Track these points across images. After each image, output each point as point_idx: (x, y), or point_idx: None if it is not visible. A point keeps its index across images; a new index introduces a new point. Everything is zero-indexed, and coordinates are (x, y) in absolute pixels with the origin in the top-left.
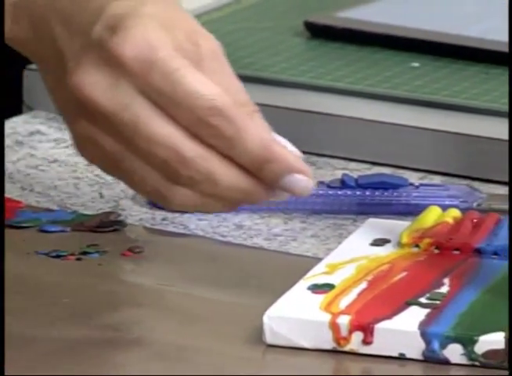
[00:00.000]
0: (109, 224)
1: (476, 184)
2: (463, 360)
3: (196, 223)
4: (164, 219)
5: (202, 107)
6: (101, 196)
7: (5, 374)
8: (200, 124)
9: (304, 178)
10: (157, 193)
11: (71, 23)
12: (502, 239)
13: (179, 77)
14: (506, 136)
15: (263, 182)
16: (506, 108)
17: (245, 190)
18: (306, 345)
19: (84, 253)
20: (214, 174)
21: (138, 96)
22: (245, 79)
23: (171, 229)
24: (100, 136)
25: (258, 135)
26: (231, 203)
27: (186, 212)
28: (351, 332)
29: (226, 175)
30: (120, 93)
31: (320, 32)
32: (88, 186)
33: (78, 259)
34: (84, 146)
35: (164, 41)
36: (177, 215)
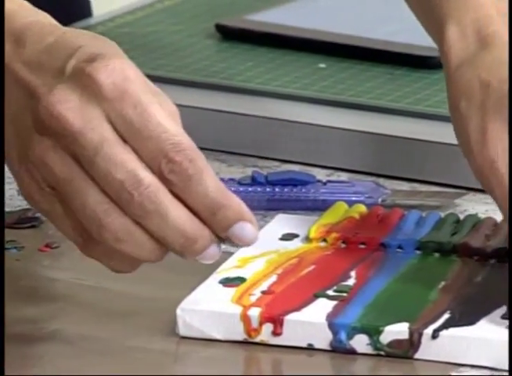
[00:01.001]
0: (26, 220)
1: (381, 180)
2: (369, 350)
3: None
4: None
5: (167, 142)
6: (18, 193)
7: (5, 374)
8: (163, 158)
9: (253, 228)
10: (93, 221)
11: (40, 67)
12: (405, 233)
13: (149, 110)
14: (409, 134)
15: (211, 230)
16: (409, 107)
17: (190, 235)
18: (218, 336)
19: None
20: (165, 207)
21: (106, 122)
22: (158, 80)
23: None
24: (56, 155)
25: (215, 179)
26: (161, 253)
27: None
28: (261, 324)
29: (177, 212)
30: (90, 114)
31: (231, 34)
32: (5, 184)
33: None
34: (29, 172)
35: (139, 75)
36: None
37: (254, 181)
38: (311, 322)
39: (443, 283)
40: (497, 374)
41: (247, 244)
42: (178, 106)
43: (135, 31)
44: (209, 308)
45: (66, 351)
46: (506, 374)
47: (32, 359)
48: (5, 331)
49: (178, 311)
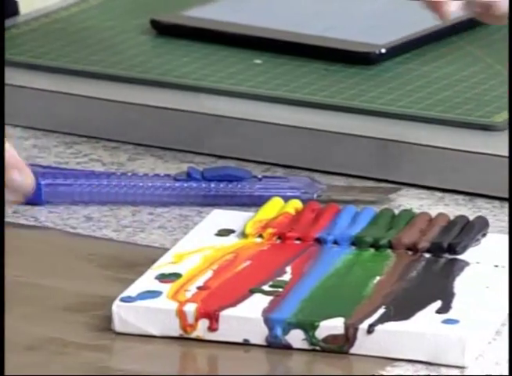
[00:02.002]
0: None
1: (316, 176)
2: (305, 345)
3: (47, 215)
4: (15, 212)
5: None
6: None
7: (5, 374)
8: None
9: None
10: None
11: None
12: (341, 228)
13: None
14: (344, 130)
15: None
16: (344, 103)
17: None
18: (154, 332)
19: None
20: None
21: None
22: (94, 76)
23: (22, 221)
24: None
25: None
26: None
27: (36, 204)
28: (197, 319)
29: None
30: None
31: (166, 30)
32: None
33: None
34: None
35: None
36: (27, 207)
37: (189, 177)
38: (246, 317)
39: (378, 278)
40: (432, 368)
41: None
42: (114, 102)
43: (70, 27)
44: (145, 304)
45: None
46: (441, 368)
47: None
48: None
49: (114, 307)
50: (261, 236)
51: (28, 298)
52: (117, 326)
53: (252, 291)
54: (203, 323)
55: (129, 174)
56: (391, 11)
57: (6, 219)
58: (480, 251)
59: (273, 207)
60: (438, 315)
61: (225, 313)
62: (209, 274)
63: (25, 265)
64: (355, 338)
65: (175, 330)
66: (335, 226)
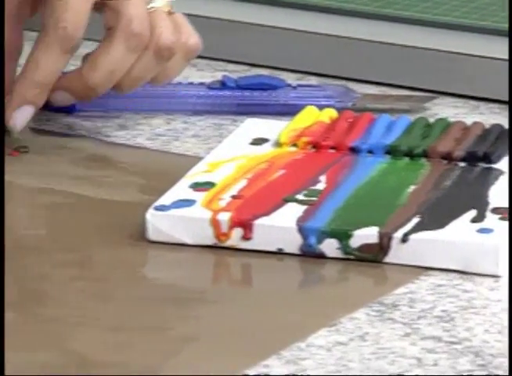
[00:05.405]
0: None
1: (351, 84)
2: (339, 254)
3: (81, 124)
4: (48, 120)
5: None
6: None
7: (5, 374)
8: None
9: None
10: None
11: None
12: (375, 137)
13: None
14: (379, 38)
15: None
16: (378, 11)
17: None
18: (188, 241)
19: None
20: None
21: None
22: None
23: (56, 129)
24: None
25: None
26: None
27: (70, 113)
28: (231, 228)
29: None
30: None
31: None
32: None
33: None
34: None
35: None
36: (61, 115)
37: (223, 85)
38: (280, 226)
39: (413, 187)
40: (466, 277)
41: None
42: None
43: None
44: (178, 212)
45: (34, 257)
46: (475, 277)
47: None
48: None
49: (148, 215)
50: (295, 144)
51: (58, 206)
52: (151, 234)
53: (286, 200)
54: (237, 232)
55: None
56: None
57: (42, 127)
58: None
59: (308, 116)
60: (472, 224)
61: (259, 222)
62: (243, 183)
63: (58, 173)
64: (389, 246)
65: (209, 238)
66: (370, 135)
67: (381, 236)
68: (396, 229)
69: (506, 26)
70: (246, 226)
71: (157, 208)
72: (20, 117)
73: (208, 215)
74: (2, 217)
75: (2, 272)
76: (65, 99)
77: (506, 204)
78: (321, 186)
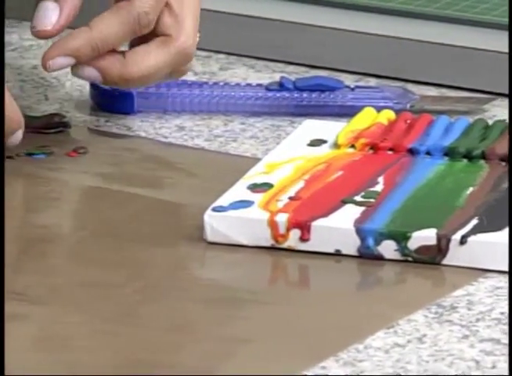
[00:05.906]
0: (54, 125)
1: (409, 86)
2: (397, 256)
3: (139, 125)
4: (107, 121)
5: None
6: (46, 98)
7: (5, 374)
8: None
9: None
10: None
11: None
12: (434, 139)
13: None
14: (438, 39)
15: None
16: (438, 12)
17: None
18: (245, 242)
19: (30, 154)
20: None
21: None
22: None
23: (114, 130)
24: None
25: None
26: None
27: (129, 114)
28: (288, 230)
29: None
30: None
31: None
32: (33, 89)
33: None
34: None
35: None
36: (120, 116)
37: (281, 86)
38: (338, 228)
39: (471, 189)
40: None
41: None
42: (209, 11)
43: None
44: (236, 214)
45: (91, 256)
46: None
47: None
48: (21, 234)
49: (206, 217)
50: (353, 146)
51: (118, 204)
52: (209, 235)
53: (344, 202)
54: (295, 234)
55: (221, 83)
56: None
57: (100, 128)
58: None
59: (366, 118)
60: None
61: (317, 223)
62: (301, 184)
63: (116, 174)
64: (447, 248)
65: (267, 240)
66: (428, 137)
67: (439, 238)
68: (454, 231)
69: None
70: (304, 228)
71: (215, 209)
72: (59, 62)
73: (266, 216)
74: (2, 217)
75: (2, 272)
76: (94, 77)
77: None
78: (379, 187)
